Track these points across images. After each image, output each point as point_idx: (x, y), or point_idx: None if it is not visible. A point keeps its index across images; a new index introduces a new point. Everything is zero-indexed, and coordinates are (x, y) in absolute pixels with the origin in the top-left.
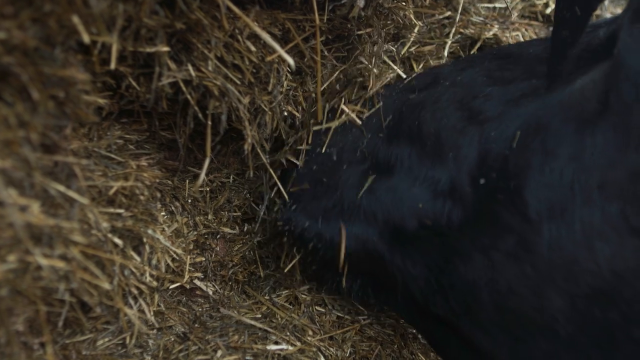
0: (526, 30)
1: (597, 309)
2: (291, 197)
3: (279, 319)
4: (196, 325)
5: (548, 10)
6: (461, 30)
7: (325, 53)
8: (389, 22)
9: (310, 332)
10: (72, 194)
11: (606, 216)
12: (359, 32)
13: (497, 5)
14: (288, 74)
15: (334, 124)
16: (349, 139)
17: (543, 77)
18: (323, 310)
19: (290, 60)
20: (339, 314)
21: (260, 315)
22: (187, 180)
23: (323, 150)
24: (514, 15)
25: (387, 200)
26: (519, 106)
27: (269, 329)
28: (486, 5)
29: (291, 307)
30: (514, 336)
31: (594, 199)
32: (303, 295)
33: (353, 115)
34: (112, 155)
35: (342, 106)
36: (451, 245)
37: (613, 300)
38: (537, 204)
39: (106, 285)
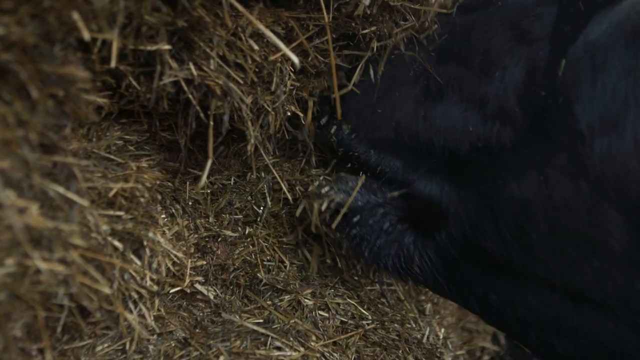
0: None
1: None
2: (348, 123)
3: (282, 324)
4: (197, 330)
5: None
6: None
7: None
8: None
9: (314, 338)
10: (71, 195)
11: None
12: (364, 32)
13: None
14: (291, 74)
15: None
16: (401, 66)
17: None
18: (326, 315)
19: (295, 58)
20: (342, 318)
21: (262, 320)
22: (188, 182)
23: (373, 80)
24: None
25: (441, 126)
26: (568, 24)
27: (271, 334)
28: None
29: (294, 312)
30: (566, 259)
31: None
32: (306, 300)
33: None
34: (112, 157)
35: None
36: (503, 166)
37: None
38: (587, 118)
39: (106, 290)
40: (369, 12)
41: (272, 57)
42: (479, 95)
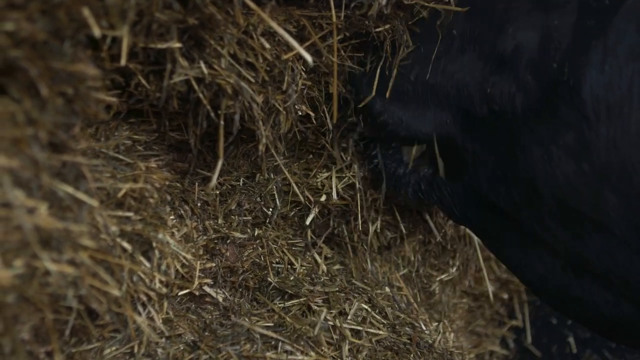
0: None
1: None
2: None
3: (292, 328)
4: (206, 333)
5: None
6: None
7: (342, 52)
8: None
9: (325, 342)
10: (81, 195)
11: None
12: (377, 30)
13: None
14: (303, 73)
15: None
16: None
17: None
18: (337, 319)
19: (308, 57)
20: (353, 323)
21: (272, 324)
22: (197, 183)
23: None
24: None
25: (458, 81)
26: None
27: (282, 339)
28: None
29: (304, 316)
30: (571, 232)
31: None
32: (316, 305)
33: None
34: (120, 157)
35: None
36: (514, 135)
37: None
38: (594, 103)
39: (116, 292)
40: (385, 12)
41: (285, 57)
42: (496, 50)
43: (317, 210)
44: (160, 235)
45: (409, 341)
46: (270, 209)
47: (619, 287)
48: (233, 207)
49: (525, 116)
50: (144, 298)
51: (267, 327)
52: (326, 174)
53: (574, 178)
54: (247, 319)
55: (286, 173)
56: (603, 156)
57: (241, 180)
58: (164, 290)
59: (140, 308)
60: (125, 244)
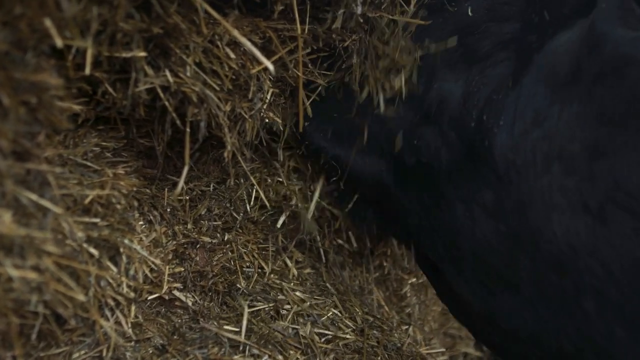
0: None
1: (554, 275)
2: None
3: (261, 331)
4: (175, 337)
5: None
6: None
7: (309, 66)
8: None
9: (292, 346)
10: (44, 202)
11: (563, 190)
12: (345, 44)
13: None
14: (269, 82)
15: None
16: None
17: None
18: (305, 322)
19: (270, 65)
20: (321, 326)
21: (239, 328)
22: (166, 189)
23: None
24: None
25: (390, 130)
26: (506, 51)
27: (249, 342)
28: None
29: (273, 320)
30: (487, 289)
31: (553, 170)
32: (286, 308)
33: None
34: (88, 163)
35: None
36: (440, 189)
37: (568, 270)
38: (505, 165)
39: (81, 297)
40: (352, 24)
41: (249, 66)
42: (423, 103)
43: (287, 214)
44: (127, 241)
45: (376, 344)
46: (241, 214)
47: (528, 343)
48: (203, 212)
49: (449, 170)
50: (112, 302)
51: (236, 331)
52: (297, 182)
53: (492, 237)
54: (215, 323)
55: (252, 179)
56: (515, 218)
57: (211, 186)
58: (132, 294)
59: (108, 313)
60: (92, 250)
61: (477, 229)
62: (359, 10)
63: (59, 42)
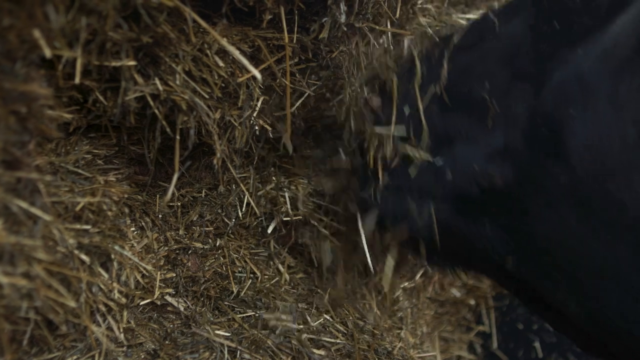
0: None
1: None
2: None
3: (252, 337)
4: (167, 342)
5: None
6: None
7: (296, 75)
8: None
9: (284, 351)
10: (35, 210)
11: None
12: (332, 55)
13: None
14: (258, 90)
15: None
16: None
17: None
18: (297, 328)
19: (257, 74)
20: (313, 332)
21: (231, 333)
22: (158, 196)
23: None
24: None
25: (454, 170)
26: (559, 61)
27: (241, 347)
28: None
29: (264, 325)
30: (588, 295)
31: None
32: (276, 315)
33: None
34: (80, 171)
35: None
36: (520, 205)
37: None
38: (582, 164)
39: (71, 303)
40: (339, 34)
41: (238, 75)
42: (489, 138)
43: (278, 220)
44: (117, 247)
45: (367, 348)
46: (232, 220)
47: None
48: (194, 218)
49: (518, 186)
50: (104, 308)
51: (227, 337)
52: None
53: (589, 237)
54: (207, 328)
55: (242, 186)
56: (609, 214)
57: (203, 192)
58: (124, 300)
59: (99, 319)
60: (83, 256)
61: (570, 233)
62: (342, 18)
63: (47, 53)
